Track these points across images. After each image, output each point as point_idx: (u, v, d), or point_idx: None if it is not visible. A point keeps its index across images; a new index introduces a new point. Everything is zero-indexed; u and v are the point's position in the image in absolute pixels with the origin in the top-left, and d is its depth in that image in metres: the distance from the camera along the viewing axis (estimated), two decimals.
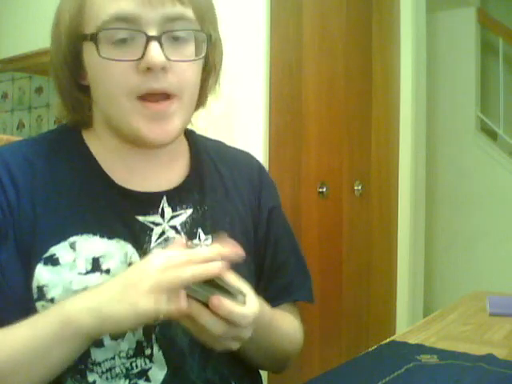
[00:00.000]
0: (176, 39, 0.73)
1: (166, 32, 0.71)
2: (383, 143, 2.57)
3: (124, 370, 0.73)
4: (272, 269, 0.91)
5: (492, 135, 3.59)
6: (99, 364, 0.72)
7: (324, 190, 2.17)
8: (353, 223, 2.38)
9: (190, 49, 0.75)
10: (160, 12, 0.71)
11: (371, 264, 2.52)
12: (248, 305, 0.66)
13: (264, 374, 2.00)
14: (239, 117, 1.89)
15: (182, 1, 0.72)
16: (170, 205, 0.81)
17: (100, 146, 0.80)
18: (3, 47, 2.64)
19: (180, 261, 0.64)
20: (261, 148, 1.87)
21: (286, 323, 0.89)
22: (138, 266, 0.67)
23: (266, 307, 0.78)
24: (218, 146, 0.95)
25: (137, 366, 0.74)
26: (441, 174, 3.48)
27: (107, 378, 0.72)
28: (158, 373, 0.75)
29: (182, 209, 0.81)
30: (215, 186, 0.87)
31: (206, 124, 1.86)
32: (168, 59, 0.71)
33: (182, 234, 0.80)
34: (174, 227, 0.80)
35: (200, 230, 0.81)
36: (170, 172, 0.83)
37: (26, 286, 0.71)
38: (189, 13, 0.74)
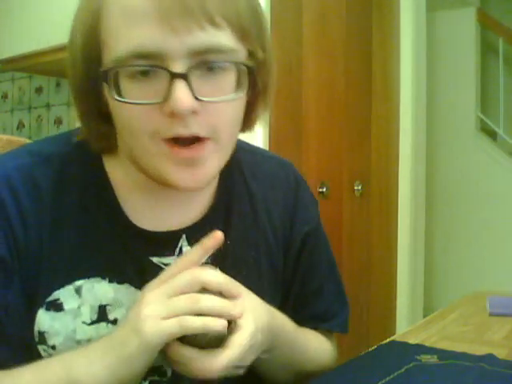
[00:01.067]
0: (210, 69, 0.59)
1: (196, 65, 0.58)
2: (383, 143, 2.57)
3: None
4: (302, 296, 0.84)
5: (492, 135, 3.59)
6: None
7: (324, 190, 2.17)
8: (353, 223, 2.38)
9: (228, 81, 0.61)
10: (187, 42, 0.56)
11: (371, 264, 2.52)
12: (242, 327, 0.61)
13: None
14: None
15: (214, 22, 0.57)
16: (189, 243, 0.71)
17: (121, 174, 0.70)
18: (3, 47, 2.64)
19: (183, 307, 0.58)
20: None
21: (314, 340, 0.84)
22: (129, 325, 0.59)
23: (291, 323, 0.74)
24: (254, 157, 0.83)
25: None
26: (441, 174, 3.48)
27: None
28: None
29: None
30: (244, 213, 0.77)
31: None
32: (198, 100, 0.58)
33: None
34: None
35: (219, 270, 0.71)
36: (194, 203, 0.73)
37: (29, 330, 0.66)
38: (224, 37, 0.58)
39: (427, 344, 1.01)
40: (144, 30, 0.56)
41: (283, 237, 0.81)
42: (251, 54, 0.63)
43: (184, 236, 0.72)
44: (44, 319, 0.65)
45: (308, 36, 2.11)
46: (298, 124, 2.09)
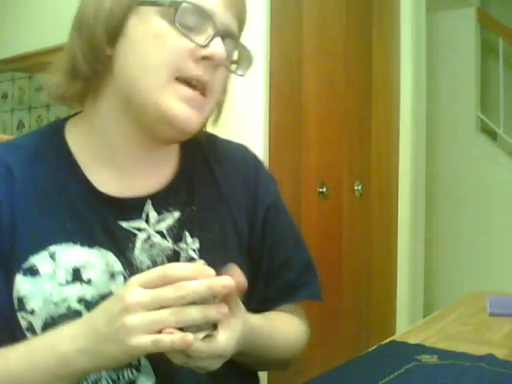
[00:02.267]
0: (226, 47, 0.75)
1: (228, 35, 0.74)
2: (383, 143, 2.57)
3: (111, 382, 0.72)
4: (271, 269, 0.88)
5: (492, 135, 3.59)
6: (85, 378, 0.70)
7: (324, 190, 2.17)
8: (353, 223, 2.38)
9: (231, 57, 0.78)
10: (228, 21, 0.74)
11: (371, 264, 2.52)
12: (217, 340, 0.61)
13: (264, 374, 2.00)
14: (239, 117, 1.89)
15: (239, 20, 0.77)
16: (155, 209, 0.77)
17: (85, 144, 0.77)
18: (3, 47, 2.64)
19: (166, 298, 0.59)
20: (261, 148, 1.87)
21: (283, 330, 0.86)
22: (120, 298, 0.61)
23: (254, 320, 0.74)
24: (212, 140, 0.91)
25: (123, 377, 0.72)
26: (441, 174, 3.48)
27: None
28: (145, 382, 0.73)
29: (168, 211, 0.78)
30: (205, 184, 0.83)
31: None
32: (226, 56, 0.73)
33: (169, 238, 0.77)
34: (159, 232, 0.76)
35: (187, 233, 0.78)
36: (157, 173, 0.80)
37: (9, 296, 0.70)
38: (236, 28, 0.77)
39: (427, 344, 1.01)
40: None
41: (246, 207, 0.86)
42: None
43: (149, 201, 0.77)
44: (22, 284, 0.70)
45: (308, 36, 2.11)
46: (298, 124, 2.08)
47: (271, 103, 1.92)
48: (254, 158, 0.94)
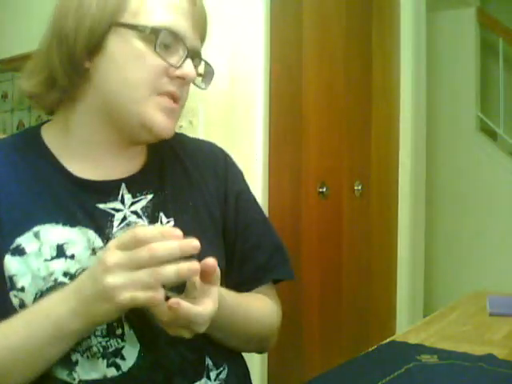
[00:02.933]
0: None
1: (196, 55, 0.85)
2: (383, 143, 2.57)
3: (101, 349, 0.76)
4: (244, 252, 0.94)
5: (492, 135, 3.60)
6: (79, 343, 0.75)
7: (324, 190, 2.17)
8: (353, 223, 2.38)
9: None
10: (198, 43, 0.84)
11: (371, 264, 2.52)
12: (204, 304, 0.68)
13: (264, 374, 2.00)
14: (239, 117, 1.89)
15: (204, 39, 0.88)
16: (129, 191, 0.84)
17: (60, 141, 0.84)
18: (3, 47, 2.64)
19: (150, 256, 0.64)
20: (261, 148, 1.87)
21: (257, 308, 0.91)
22: (101, 261, 0.67)
23: (229, 296, 0.81)
24: (180, 137, 0.97)
25: (111, 346, 0.77)
26: (441, 174, 3.48)
27: (87, 357, 0.76)
28: (131, 350, 0.78)
29: (142, 195, 0.85)
30: (176, 172, 0.90)
31: (206, 124, 1.87)
32: (196, 75, 0.83)
33: (144, 218, 0.83)
34: (135, 212, 0.83)
35: (162, 214, 0.84)
36: (129, 160, 0.87)
37: (1, 278, 0.75)
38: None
39: (427, 344, 1.02)
40: (179, 20, 0.80)
41: (217, 195, 0.93)
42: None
43: (123, 184, 0.84)
44: (11, 264, 0.75)
45: (308, 37, 2.11)
46: (298, 124, 2.09)
47: (271, 104, 1.92)
48: (222, 151, 1.01)
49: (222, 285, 0.75)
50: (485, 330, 1.12)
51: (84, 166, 0.83)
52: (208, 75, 0.89)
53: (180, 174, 0.91)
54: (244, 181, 1.00)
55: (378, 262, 2.55)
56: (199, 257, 0.67)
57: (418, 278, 2.71)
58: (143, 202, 0.84)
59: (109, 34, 0.78)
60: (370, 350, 1.00)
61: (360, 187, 2.40)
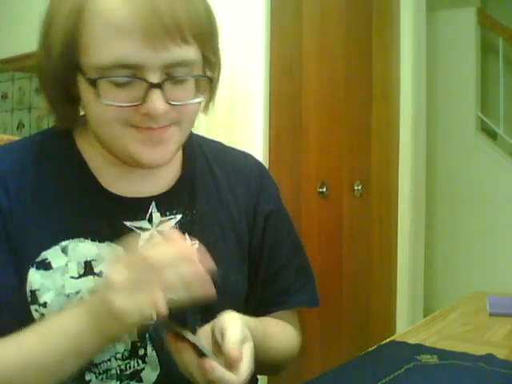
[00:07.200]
0: (177, 81, 0.70)
1: (168, 78, 0.69)
2: (383, 143, 2.57)
3: (118, 371, 0.75)
4: (267, 274, 0.90)
5: (492, 135, 3.59)
6: (97, 365, 0.73)
7: (324, 190, 2.17)
8: (353, 223, 2.38)
9: (191, 87, 0.72)
10: (163, 57, 0.67)
11: (371, 264, 2.52)
12: (240, 372, 0.64)
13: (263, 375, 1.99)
14: (239, 117, 1.89)
15: (186, 40, 0.67)
16: (158, 210, 0.80)
17: (93, 152, 0.79)
18: (3, 47, 2.64)
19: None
20: (261, 148, 1.87)
21: (280, 335, 0.88)
22: (106, 279, 0.65)
23: (257, 332, 0.76)
24: (216, 147, 0.93)
25: (130, 367, 0.75)
26: (441, 174, 3.48)
27: (102, 379, 0.74)
28: (150, 373, 0.76)
29: (171, 214, 0.81)
30: (207, 189, 0.86)
31: (206, 124, 1.87)
32: (169, 103, 0.69)
33: None
34: (161, 232, 0.79)
35: (187, 236, 0.80)
36: (161, 176, 0.82)
37: (20, 291, 0.72)
38: (191, 52, 0.69)
39: (427, 344, 1.02)
40: (127, 45, 0.66)
41: (247, 215, 0.88)
42: (205, 58, 0.73)
43: (153, 203, 0.80)
44: (35, 278, 0.72)
45: (308, 36, 2.11)
46: (298, 124, 2.09)
47: (271, 104, 1.92)
48: (259, 164, 0.96)
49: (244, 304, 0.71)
50: (485, 330, 1.12)
51: (117, 175, 0.79)
52: (200, 83, 0.74)
53: (211, 192, 0.86)
54: (278, 198, 0.96)
55: (378, 262, 2.55)
56: (223, 281, 0.66)
57: (418, 278, 2.71)
58: (171, 223, 0.80)
59: (77, 79, 0.71)
60: (370, 350, 1.00)
61: (360, 187, 2.40)
